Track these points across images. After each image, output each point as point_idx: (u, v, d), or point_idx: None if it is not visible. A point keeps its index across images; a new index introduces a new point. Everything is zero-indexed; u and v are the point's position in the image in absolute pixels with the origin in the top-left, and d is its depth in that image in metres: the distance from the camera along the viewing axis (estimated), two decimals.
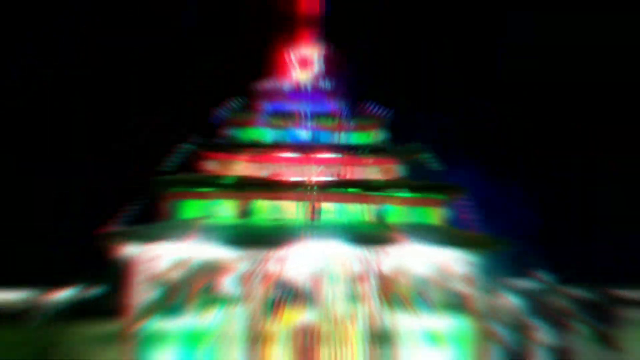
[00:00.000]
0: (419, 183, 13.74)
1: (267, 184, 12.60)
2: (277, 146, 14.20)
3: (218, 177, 13.08)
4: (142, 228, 10.43)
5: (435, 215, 13.41)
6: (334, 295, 15.95)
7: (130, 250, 10.00)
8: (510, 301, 25.41)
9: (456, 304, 20.08)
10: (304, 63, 18.29)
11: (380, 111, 16.60)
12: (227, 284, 12.58)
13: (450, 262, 11.60)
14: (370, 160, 14.37)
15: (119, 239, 9.88)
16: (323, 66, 18.46)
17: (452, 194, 13.41)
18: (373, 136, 16.14)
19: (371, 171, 14.30)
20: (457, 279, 11.78)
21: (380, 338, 10.67)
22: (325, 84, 18.00)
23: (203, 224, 10.86)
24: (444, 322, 11.61)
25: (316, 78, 18.19)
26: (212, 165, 13.23)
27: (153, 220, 11.78)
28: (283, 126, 15.30)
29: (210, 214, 11.56)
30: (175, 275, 12.88)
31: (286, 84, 17.49)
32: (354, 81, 18.18)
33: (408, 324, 11.32)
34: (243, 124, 15.02)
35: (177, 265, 12.51)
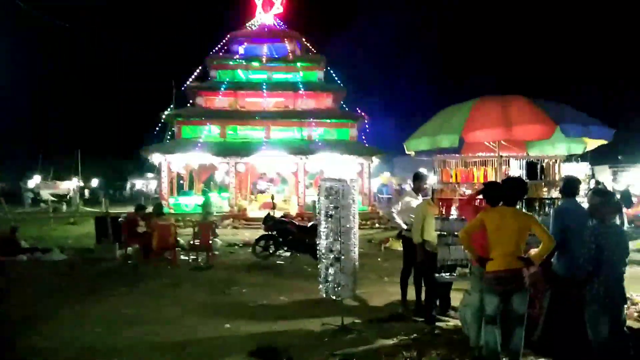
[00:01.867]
0: (339, 112, 21.19)
1: (237, 113, 20.08)
2: (243, 86, 21.13)
3: (206, 109, 20.48)
4: (162, 144, 18.39)
5: (346, 134, 21.16)
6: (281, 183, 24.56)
7: (158, 157, 18.16)
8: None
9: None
10: (266, 4, 23.77)
11: (320, 54, 22.90)
12: (217, 177, 21.03)
13: (352, 164, 19.75)
14: (305, 95, 21.42)
15: (151, 151, 17.95)
16: (281, 8, 23.97)
17: (357, 119, 21.04)
18: (313, 75, 22.80)
19: (308, 103, 21.45)
20: (355, 175, 20.08)
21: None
22: (282, 26, 23.82)
23: (197, 141, 18.74)
24: None
25: (275, 20, 23.94)
26: (202, 101, 20.51)
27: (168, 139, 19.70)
28: (249, 67, 21.93)
29: (201, 135, 19.34)
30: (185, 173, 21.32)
31: (253, 27, 23.38)
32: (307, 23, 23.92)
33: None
34: (222, 67, 21.68)
35: (185, 167, 20.83)
